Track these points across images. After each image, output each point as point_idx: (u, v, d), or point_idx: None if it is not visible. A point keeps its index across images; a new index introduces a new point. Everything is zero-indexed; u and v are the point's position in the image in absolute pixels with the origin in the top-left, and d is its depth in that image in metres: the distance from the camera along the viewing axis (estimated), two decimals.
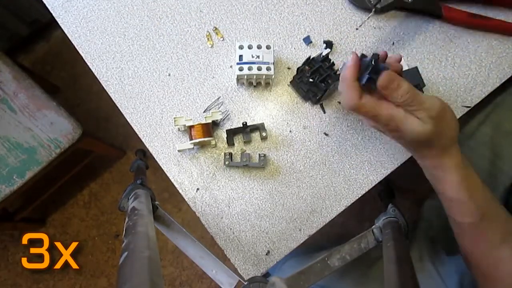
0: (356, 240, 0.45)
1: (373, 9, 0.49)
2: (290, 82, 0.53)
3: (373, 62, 0.38)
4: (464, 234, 0.44)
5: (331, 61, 0.49)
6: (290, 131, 0.52)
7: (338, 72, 0.48)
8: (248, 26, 0.55)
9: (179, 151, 0.50)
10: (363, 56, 0.40)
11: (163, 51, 0.54)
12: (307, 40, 0.54)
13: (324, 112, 0.52)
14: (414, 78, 0.49)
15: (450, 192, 0.41)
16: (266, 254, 0.49)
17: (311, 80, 0.49)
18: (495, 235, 0.42)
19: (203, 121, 0.49)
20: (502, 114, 0.57)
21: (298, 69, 0.51)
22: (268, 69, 0.49)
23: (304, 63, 0.50)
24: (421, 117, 0.37)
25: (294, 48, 0.54)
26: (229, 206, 0.50)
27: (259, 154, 0.50)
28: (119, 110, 0.53)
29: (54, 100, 0.88)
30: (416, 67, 0.49)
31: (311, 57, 0.49)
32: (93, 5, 0.56)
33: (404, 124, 0.38)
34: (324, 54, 0.48)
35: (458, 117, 0.51)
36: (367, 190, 0.50)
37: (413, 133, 0.38)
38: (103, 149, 1.15)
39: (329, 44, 0.53)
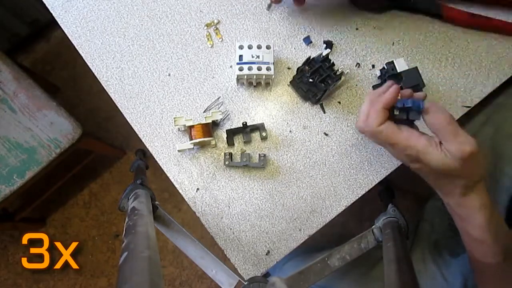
0: (356, 240, 0.45)
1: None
2: (290, 82, 0.53)
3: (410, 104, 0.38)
4: (485, 274, 0.42)
5: (331, 61, 0.49)
6: (290, 131, 0.52)
7: (338, 71, 0.48)
8: (248, 26, 0.55)
9: (179, 151, 0.50)
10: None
11: (163, 51, 0.54)
12: (307, 40, 0.54)
13: (324, 112, 0.52)
14: (414, 78, 0.49)
15: (473, 232, 0.40)
16: (266, 254, 0.49)
17: (311, 80, 0.49)
18: None
19: (203, 121, 0.49)
20: (504, 115, 0.57)
21: (298, 69, 0.51)
22: (268, 69, 0.49)
23: (304, 63, 0.50)
24: (449, 149, 0.36)
25: (294, 48, 0.54)
26: (229, 206, 0.50)
27: (259, 154, 0.50)
28: (119, 110, 0.53)
29: (54, 100, 0.88)
30: (416, 67, 0.49)
31: (311, 57, 0.49)
32: (93, 5, 0.56)
33: (424, 154, 0.37)
34: (324, 54, 0.48)
35: (458, 117, 0.51)
36: (367, 190, 0.50)
37: (435, 165, 0.37)
38: (103, 149, 1.15)
39: (329, 44, 0.53)
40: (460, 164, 0.36)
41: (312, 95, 0.51)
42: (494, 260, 0.39)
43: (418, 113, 0.39)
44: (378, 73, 0.52)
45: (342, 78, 0.49)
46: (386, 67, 0.49)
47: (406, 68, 0.48)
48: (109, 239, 1.28)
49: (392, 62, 0.48)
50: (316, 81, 0.49)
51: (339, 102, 0.52)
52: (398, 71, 0.48)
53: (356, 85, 0.53)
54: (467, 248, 0.43)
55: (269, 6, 0.54)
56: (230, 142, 0.51)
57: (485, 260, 0.40)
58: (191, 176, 0.51)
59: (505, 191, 0.54)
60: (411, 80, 0.48)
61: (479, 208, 0.38)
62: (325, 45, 0.53)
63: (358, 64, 0.53)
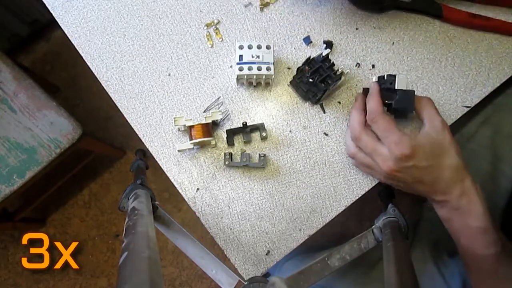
0: (356, 240, 0.45)
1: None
2: (290, 82, 0.53)
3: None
4: (488, 269, 0.42)
5: (331, 61, 0.49)
6: (290, 131, 0.52)
7: (338, 71, 0.48)
8: (248, 26, 0.55)
9: (179, 151, 0.51)
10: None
11: (163, 51, 0.54)
12: (307, 40, 0.54)
13: (324, 112, 0.52)
14: (406, 101, 0.45)
15: (475, 221, 0.40)
16: (266, 254, 0.49)
17: (311, 80, 0.49)
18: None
19: (203, 121, 0.49)
20: (503, 116, 0.57)
21: (298, 69, 0.51)
22: (268, 69, 0.49)
23: (304, 63, 0.50)
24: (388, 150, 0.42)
25: (294, 48, 0.54)
26: (229, 206, 0.50)
27: (259, 154, 0.50)
28: (119, 110, 0.53)
29: (54, 100, 0.88)
30: (413, 91, 0.45)
31: (311, 57, 0.49)
32: (93, 5, 0.56)
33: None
34: (324, 54, 0.48)
35: (458, 117, 0.51)
36: (367, 190, 0.50)
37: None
38: (103, 149, 1.15)
39: (329, 44, 0.53)
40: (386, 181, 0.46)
41: (312, 95, 0.51)
42: (496, 248, 0.41)
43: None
44: (375, 78, 0.48)
45: (342, 78, 0.49)
46: (386, 78, 0.46)
47: (405, 88, 0.45)
48: (109, 239, 1.28)
49: (394, 76, 0.45)
50: (316, 81, 0.49)
51: (339, 102, 0.52)
52: (396, 87, 0.45)
53: (356, 85, 0.53)
54: (467, 249, 0.43)
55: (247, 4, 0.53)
56: (230, 142, 0.51)
57: (489, 250, 0.41)
58: (191, 176, 0.51)
59: (504, 191, 0.55)
60: (404, 102, 0.45)
61: (443, 219, 0.45)
62: (325, 45, 0.53)
63: (358, 64, 0.53)
